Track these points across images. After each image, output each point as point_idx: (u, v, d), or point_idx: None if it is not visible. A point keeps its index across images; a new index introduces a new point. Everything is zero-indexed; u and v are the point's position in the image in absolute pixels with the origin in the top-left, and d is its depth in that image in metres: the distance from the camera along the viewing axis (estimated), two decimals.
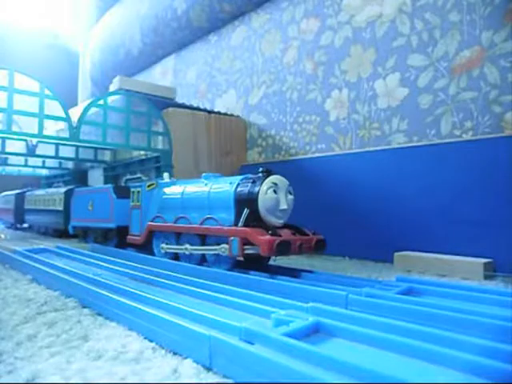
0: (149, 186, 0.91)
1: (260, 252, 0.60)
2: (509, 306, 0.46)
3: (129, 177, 1.33)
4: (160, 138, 1.19)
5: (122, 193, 1.01)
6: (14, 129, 0.97)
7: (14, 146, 1.27)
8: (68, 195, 1.34)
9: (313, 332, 0.38)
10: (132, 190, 0.95)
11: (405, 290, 0.53)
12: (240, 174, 0.75)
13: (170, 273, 0.67)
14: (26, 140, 1.24)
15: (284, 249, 0.60)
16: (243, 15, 1.55)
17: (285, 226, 0.67)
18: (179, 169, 1.20)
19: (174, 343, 0.38)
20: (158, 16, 1.88)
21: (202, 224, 0.72)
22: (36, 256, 0.85)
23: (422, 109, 0.97)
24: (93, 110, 1.08)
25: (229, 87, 1.59)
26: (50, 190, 1.53)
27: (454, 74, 0.92)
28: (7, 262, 0.86)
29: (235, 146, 1.44)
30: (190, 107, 1.35)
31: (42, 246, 1.04)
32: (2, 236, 1.47)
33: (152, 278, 0.64)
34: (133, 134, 1.14)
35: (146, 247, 0.91)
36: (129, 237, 0.94)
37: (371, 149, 1.05)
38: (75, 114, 1.07)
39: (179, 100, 1.54)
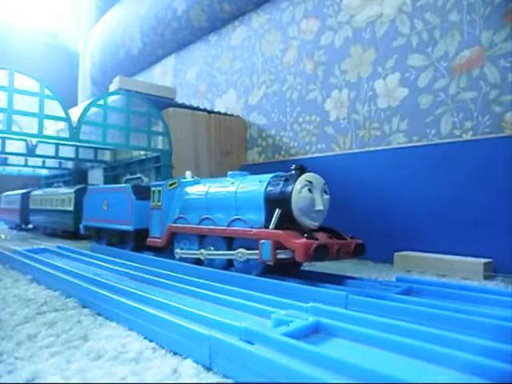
0: (170, 185, 0.85)
1: (295, 257, 0.55)
2: (509, 307, 0.46)
3: (129, 177, 1.33)
4: (160, 137, 1.19)
5: (142, 194, 0.95)
6: (14, 129, 0.97)
7: (14, 145, 1.27)
8: (78, 194, 1.27)
9: (313, 332, 0.38)
10: (152, 189, 0.89)
11: (405, 289, 0.53)
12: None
13: (170, 273, 0.67)
14: (25, 140, 1.24)
15: (321, 254, 0.54)
16: (243, 15, 1.55)
17: (320, 229, 0.61)
18: (179, 169, 1.20)
19: (173, 343, 0.38)
20: (158, 16, 1.88)
21: (228, 226, 0.67)
22: (36, 256, 0.85)
23: (421, 109, 0.97)
24: (93, 109, 1.08)
25: (229, 87, 1.59)
26: (58, 190, 1.47)
27: (454, 74, 0.92)
28: (7, 262, 0.86)
29: (235, 146, 1.44)
30: (190, 107, 1.35)
31: (42, 246, 1.04)
32: (2, 236, 1.47)
33: (152, 277, 0.64)
34: (133, 134, 1.14)
35: (166, 251, 0.87)
36: (149, 239, 0.88)
37: (371, 149, 1.05)
38: (75, 114, 1.07)
39: (179, 100, 1.54)
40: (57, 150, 1.35)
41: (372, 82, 1.08)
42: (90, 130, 1.09)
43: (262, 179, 0.67)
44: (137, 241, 0.95)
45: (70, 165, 1.65)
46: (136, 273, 0.69)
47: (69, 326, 0.44)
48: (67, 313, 0.50)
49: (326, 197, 0.63)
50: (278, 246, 0.58)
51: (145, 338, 0.41)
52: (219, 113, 1.43)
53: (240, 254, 0.63)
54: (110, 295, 0.49)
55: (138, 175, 1.28)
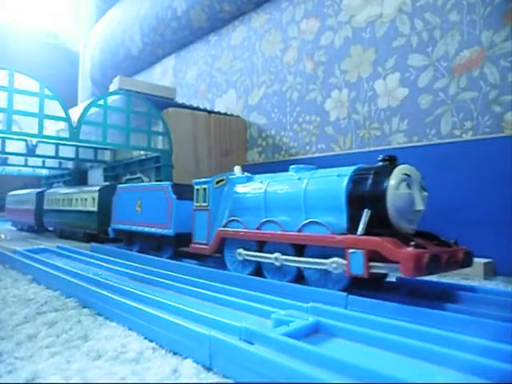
0: (217, 183, 0.74)
1: (401, 271, 0.43)
2: (509, 307, 0.46)
3: (129, 177, 1.33)
4: (160, 138, 1.19)
5: (184, 192, 0.83)
6: (14, 129, 0.97)
7: (14, 145, 1.27)
8: (103, 193, 1.16)
9: (313, 332, 0.38)
10: (196, 187, 0.77)
11: (405, 290, 0.53)
12: None
13: (170, 273, 0.67)
14: (26, 140, 1.24)
15: (433, 266, 0.44)
16: (243, 15, 1.55)
17: (416, 234, 0.51)
18: (179, 169, 1.20)
19: (174, 343, 0.38)
20: (158, 16, 1.88)
21: (300, 230, 0.56)
22: (36, 256, 0.85)
23: (421, 109, 0.97)
24: (93, 109, 1.08)
25: (229, 87, 1.59)
26: (79, 188, 1.34)
27: (454, 74, 0.92)
28: (7, 262, 0.86)
29: (235, 146, 1.44)
30: (190, 107, 1.35)
31: (42, 246, 1.04)
32: (2, 236, 1.47)
33: (152, 278, 0.64)
34: (133, 134, 1.14)
35: (210, 258, 0.79)
36: (193, 245, 0.76)
37: (371, 149, 1.05)
38: (75, 114, 1.07)
39: (179, 100, 1.55)
40: (57, 150, 1.35)
41: (372, 81, 1.08)
42: (89, 130, 1.09)
43: (341, 173, 0.56)
44: (177, 247, 0.84)
45: (70, 165, 1.65)
46: (136, 273, 0.69)
47: (69, 326, 0.44)
48: (67, 313, 0.50)
49: (425, 194, 0.52)
50: (373, 256, 0.47)
51: (145, 338, 0.41)
52: (219, 113, 1.43)
53: (335, 264, 0.51)
54: (110, 295, 0.49)
55: (138, 175, 1.28)
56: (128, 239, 1.00)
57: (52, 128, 1.17)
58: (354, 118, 1.13)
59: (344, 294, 0.49)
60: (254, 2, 1.48)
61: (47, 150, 1.32)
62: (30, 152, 1.27)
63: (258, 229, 0.63)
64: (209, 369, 0.34)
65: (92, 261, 0.82)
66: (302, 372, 0.27)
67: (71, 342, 0.40)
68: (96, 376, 0.32)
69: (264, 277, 0.62)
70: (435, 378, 0.29)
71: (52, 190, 1.54)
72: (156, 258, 0.82)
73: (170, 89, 1.39)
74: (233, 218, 0.69)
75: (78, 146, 1.35)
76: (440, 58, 0.95)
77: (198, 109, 1.36)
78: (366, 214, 0.50)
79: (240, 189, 0.71)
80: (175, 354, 0.37)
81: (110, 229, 1.06)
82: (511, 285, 0.70)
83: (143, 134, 1.16)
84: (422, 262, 0.42)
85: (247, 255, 0.65)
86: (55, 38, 3.42)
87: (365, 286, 0.52)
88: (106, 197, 1.13)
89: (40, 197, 1.59)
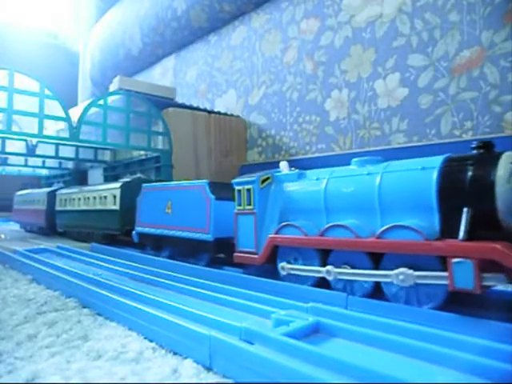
0: (263, 182, 0.65)
1: None
2: (508, 307, 0.46)
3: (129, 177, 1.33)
4: (160, 138, 1.19)
5: (223, 192, 0.74)
6: (14, 129, 0.97)
7: (14, 145, 1.27)
8: (126, 190, 1.05)
9: (313, 332, 0.38)
10: (237, 188, 0.67)
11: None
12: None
13: (170, 273, 0.67)
14: (26, 140, 1.24)
15: None
16: (243, 15, 1.55)
17: None
18: (179, 169, 1.20)
19: (173, 343, 0.38)
20: (158, 16, 1.88)
21: (380, 237, 0.46)
22: (36, 256, 0.85)
23: (421, 109, 0.97)
24: (93, 109, 1.08)
25: (229, 87, 1.59)
26: (98, 186, 1.23)
27: (454, 74, 0.92)
28: (7, 262, 0.86)
29: (235, 146, 1.44)
30: (190, 107, 1.35)
31: (42, 246, 1.04)
32: (2, 236, 1.47)
33: (152, 278, 0.64)
34: (133, 134, 1.14)
35: (260, 268, 0.67)
36: (238, 254, 0.66)
37: (371, 149, 1.05)
38: (75, 114, 1.07)
39: (179, 100, 1.55)
40: (57, 150, 1.35)
41: (372, 82, 1.08)
42: (89, 130, 1.09)
43: (426, 165, 0.46)
44: (215, 253, 0.75)
45: (70, 165, 1.65)
46: (136, 273, 0.69)
47: (69, 326, 0.44)
48: (67, 313, 0.50)
49: None
50: (486, 267, 0.38)
51: (145, 338, 0.41)
52: (219, 113, 1.43)
53: (433, 277, 0.42)
54: (110, 295, 0.49)
55: (138, 175, 1.28)
56: (155, 244, 0.89)
57: (52, 128, 1.17)
58: (354, 118, 1.13)
59: (344, 294, 0.49)
60: (254, 2, 1.48)
61: (47, 149, 1.32)
62: (30, 152, 1.27)
63: (321, 235, 0.53)
64: (209, 369, 0.34)
65: (92, 261, 0.82)
66: (302, 372, 0.27)
67: (71, 342, 0.40)
68: (96, 376, 0.32)
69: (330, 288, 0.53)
70: (435, 378, 0.29)
71: (65, 189, 1.44)
72: (156, 258, 0.82)
73: (170, 89, 1.39)
74: (287, 222, 0.59)
75: (77, 146, 1.35)
76: (440, 58, 0.95)
77: (198, 109, 1.36)
78: (466, 214, 0.41)
79: (291, 188, 0.61)
80: (175, 353, 0.37)
81: (133, 233, 0.94)
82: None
83: (143, 134, 1.16)
84: None
85: (292, 269, 0.56)
86: (55, 37, 3.42)
87: (464, 301, 0.43)
88: (128, 194, 1.03)
89: (52, 196, 1.48)
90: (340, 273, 0.50)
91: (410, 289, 0.44)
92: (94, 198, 1.19)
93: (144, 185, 0.94)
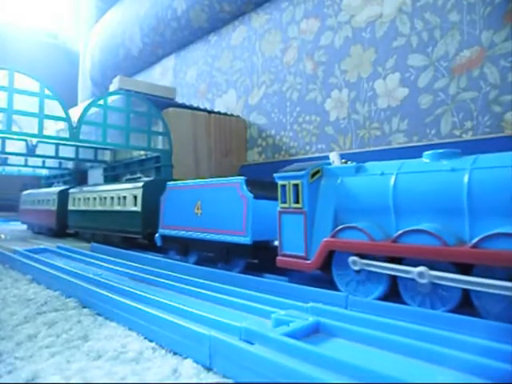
0: (313, 176, 0.57)
1: None
2: None
3: (129, 177, 1.33)
4: (160, 138, 1.19)
5: (261, 190, 0.68)
6: (14, 129, 0.97)
7: (14, 145, 1.27)
8: (148, 190, 0.98)
9: (313, 332, 0.38)
10: (281, 182, 0.59)
11: None
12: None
13: (170, 273, 0.67)
14: (26, 140, 1.24)
15: None
16: (243, 15, 1.55)
17: None
18: (179, 169, 1.20)
19: (174, 343, 0.38)
20: (158, 16, 1.88)
21: (477, 245, 0.40)
22: (36, 256, 0.85)
23: (422, 109, 0.97)
24: (93, 109, 1.08)
25: (229, 87, 1.59)
26: (116, 185, 1.16)
27: (454, 74, 0.92)
28: (7, 262, 0.86)
29: (235, 146, 1.44)
30: (190, 107, 1.35)
31: (42, 246, 1.04)
32: (2, 236, 1.47)
33: (152, 278, 0.64)
34: (133, 134, 1.14)
35: (308, 274, 0.61)
36: (282, 258, 0.58)
37: (371, 149, 1.05)
38: (75, 114, 1.07)
39: (179, 100, 1.55)
40: (57, 150, 1.35)
41: (372, 82, 1.08)
42: (89, 130, 1.09)
43: None
44: (253, 258, 0.68)
45: (70, 165, 1.65)
46: (136, 273, 0.69)
47: (69, 326, 0.44)
48: (67, 313, 0.50)
49: None
50: None
51: (145, 338, 0.41)
52: (219, 113, 1.43)
53: None
54: (110, 295, 0.49)
55: (138, 175, 1.28)
56: (181, 249, 0.82)
57: (52, 128, 1.17)
58: (354, 117, 1.13)
59: (344, 294, 0.49)
60: (254, 2, 1.48)
61: (47, 149, 1.32)
62: (30, 152, 1.27)
63: (394, 241, 0.46)
64: (209, 369, 0.34)
65: (92, 261, 0.82)
66: (302, 372, 0.27)
67: (71, 342, 0.40)
68: (96, 376, 0.32)
69: (403, 303, 0.46)
70: (435, 378, 0.29)
71: (79, 188, 1.35)
72: (156, 257, 0.82)
73: (170, 89, 1.39)
74: (346, 224, 0.51)
75: (77, 146, 1.35)
76: (440, 58, 0.95)
77: (198, 109, 1.36)
78: None
79: (349, 183, 0.54)
80: (175, 354, 0.37)
81: (157, 236, 0.87)
82: None
83: (143, 134, 1.16)
84: None
85: (368, 265, 0.47)
86: (55, 37, 3.42)
87: None
88: (150, 194, 0.96)
89: (63, 196, 1.40)
90: (440, 277, 0.41)
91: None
92: (112, 198, 1.11)
93: (169, 183, 0.87)
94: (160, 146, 1.19)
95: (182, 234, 0.79)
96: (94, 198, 1.21)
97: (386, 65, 1.05)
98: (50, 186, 1.83)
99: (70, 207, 1.35)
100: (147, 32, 1.99)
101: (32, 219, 1.67)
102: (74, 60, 3.10)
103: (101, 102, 1.08)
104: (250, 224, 0.65)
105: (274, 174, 0.61)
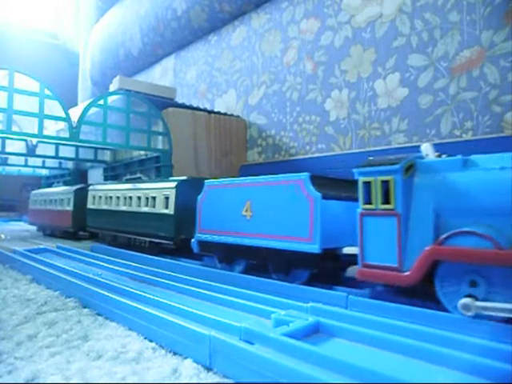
0: (407, 170, 0.48)
1: None
2: None
3: (129, 177, 1.33)
4: (160, 137, 1.19)
5: (329, 187, 0.59)
6: (14, 129, 0.97)
7: (14, 145, 1.27)
8: (182, 191, 0.87)
9: (313, 332, 0.38)
10: (364, 179, 0.50)
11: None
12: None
13: (170, 273, 0.67)
14: (25, 140, 1.24)
15: None
16: (243, 15, 1.55)
17: None
18: (179, 169, 1.20)
19: (173, 343, 0.38)
20: (158, 16, 1.88)
21: None
22: (36, 256, 0.85)
23: (422, 109, 0.97)
24: (93, 109, 1.08)
25: (229, 87, 1.59)
26: (143, 184, 1.04)
27: (454, 74, 0.92)
28: (7, 262, 0.86)
29: (235, 146, 1.44)
30: (190, 107, 1.35)
31: (42, 246, 1.04)
32: (2, 236, 1.47)
33: (152, 278, 0.64)
34: (133, 134, 1.14)
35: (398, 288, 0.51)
36: (365, 270, 0.48)
37: (371, 149, 1.05)
38: (75, 114, 1.07)
39: (179, 100, 1.55)
40: (57, 150, 1.35)
41: (372, 82, 1.08)
42: (89, 129, 1.09)
43: None
44: (321, 269, 0.57)
45: (70, 165, 1.65)
46: (136, 273, 0.69)
47: (69, 326, 0.44)
48: (67, 313, 0.50)
49: None
50: None
51: (145, 338, 0.41)
52: (219, 113, 1.43)
53: None
54: (110, 295, 0.49)
55: (138, 175, 1.28)
56: (225, 256, 0.72)
57: (52, 128, 1.17)
58: (354, 117, 1.13)
59: (344, 294, 0.49)
60: (254, 2, 1.48)
61: (47, 150, 1.32)
62: (30, 152, 1.27)
63: None
64: (209, 369, 0.34)
65: (92, 261, 0.82)
66: (302, 372, 0.27)
67: (71, 342, 0.40)
68: (96, 376, 0.32)
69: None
70: (435, 378, 0.29)
71: (100, 186, 1.24)
72: (155, 257, 0.82)
73: (170, 89, 1.39)
74: (461, 229, 0.41)
75: (77, 146, 1.35)
76: (440, 58, 0.95)
77: (198, 109, 1.36)
78: None
79: (454, 180, 0.45)
80: (175, 354, 0.37)
81: (193, 241, 0.77)
82: None
83: (143, 134, 1.16)
84: None
85: (488, 309, 0.37)
86: (55, 37, 3.42)
87: None
88: (185, 195, 0.85)
89: (80, 195, 1.28)
90: None
91: None
92: (139, 197, 1.00)
93: (208, 181, 0.76)
94: (160, 146, 1.19)
95: (226, 239, 0.69)
96: (117, 197, 1.10)
97: (386, 65, 1.05)
98: (50, 185, 1.83)
99: (90, 205, 1.23)
100: (147, 32, 1.99)
101: (43, 221, 1.56)
102: (74, 60, 3.10)
103: (101, 101, 1.08)
104: (318, 229, 0.55)
105: (354, 170, 0.51)
